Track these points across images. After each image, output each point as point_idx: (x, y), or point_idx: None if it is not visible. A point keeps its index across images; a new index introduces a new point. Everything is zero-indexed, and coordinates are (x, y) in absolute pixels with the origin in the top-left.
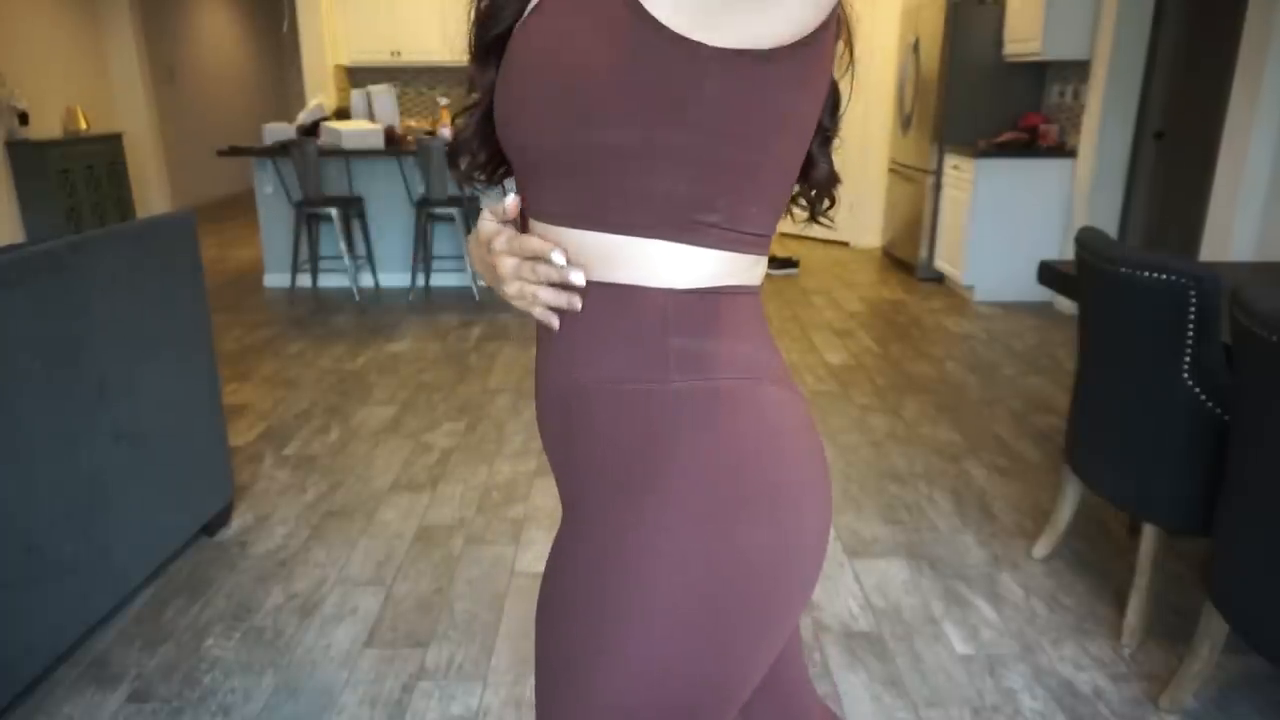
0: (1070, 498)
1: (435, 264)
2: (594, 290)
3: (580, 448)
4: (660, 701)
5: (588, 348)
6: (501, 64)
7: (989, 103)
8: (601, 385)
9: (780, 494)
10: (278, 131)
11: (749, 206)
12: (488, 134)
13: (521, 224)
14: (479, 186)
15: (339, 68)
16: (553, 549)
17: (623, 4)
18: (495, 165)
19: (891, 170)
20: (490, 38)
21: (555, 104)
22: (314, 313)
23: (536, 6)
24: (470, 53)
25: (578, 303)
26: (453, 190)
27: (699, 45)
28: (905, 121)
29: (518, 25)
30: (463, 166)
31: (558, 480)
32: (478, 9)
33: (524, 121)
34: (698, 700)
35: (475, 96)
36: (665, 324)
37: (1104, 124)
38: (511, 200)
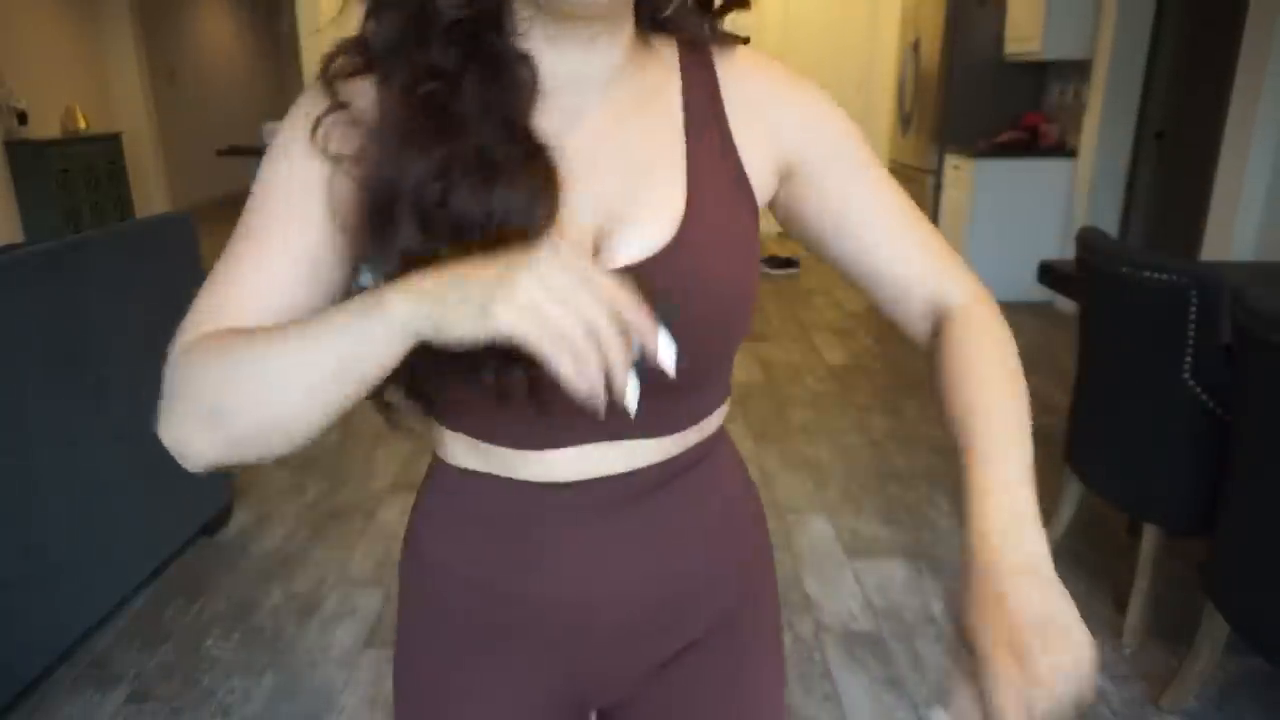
0: (1070, 498)
1: None
2: None
3: None
4: None
5: None
6: None
7: (989, 103)
8: None
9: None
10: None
11: None
12: None
13: None
14: None
15: None
16: None
17: None
18: None
19: (891, 170)
20: None
21: None
22: None
23: None
24: None
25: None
26: None
27: None
28: (905, 121)
29: None
30: None
31: None
32: None
33: None
34: None
35: None
36: None
37: (1104, 124)
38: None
